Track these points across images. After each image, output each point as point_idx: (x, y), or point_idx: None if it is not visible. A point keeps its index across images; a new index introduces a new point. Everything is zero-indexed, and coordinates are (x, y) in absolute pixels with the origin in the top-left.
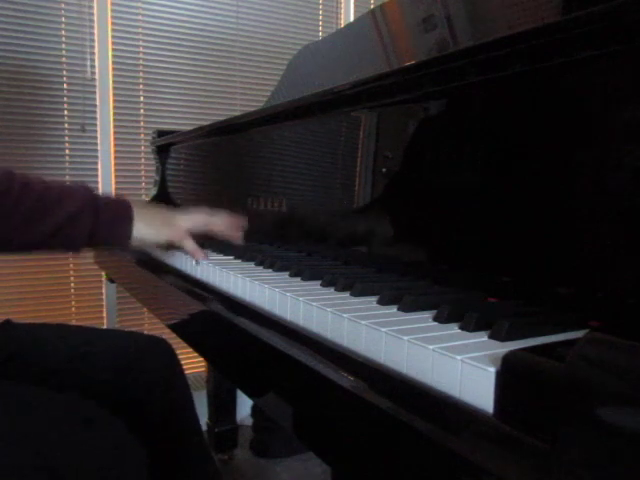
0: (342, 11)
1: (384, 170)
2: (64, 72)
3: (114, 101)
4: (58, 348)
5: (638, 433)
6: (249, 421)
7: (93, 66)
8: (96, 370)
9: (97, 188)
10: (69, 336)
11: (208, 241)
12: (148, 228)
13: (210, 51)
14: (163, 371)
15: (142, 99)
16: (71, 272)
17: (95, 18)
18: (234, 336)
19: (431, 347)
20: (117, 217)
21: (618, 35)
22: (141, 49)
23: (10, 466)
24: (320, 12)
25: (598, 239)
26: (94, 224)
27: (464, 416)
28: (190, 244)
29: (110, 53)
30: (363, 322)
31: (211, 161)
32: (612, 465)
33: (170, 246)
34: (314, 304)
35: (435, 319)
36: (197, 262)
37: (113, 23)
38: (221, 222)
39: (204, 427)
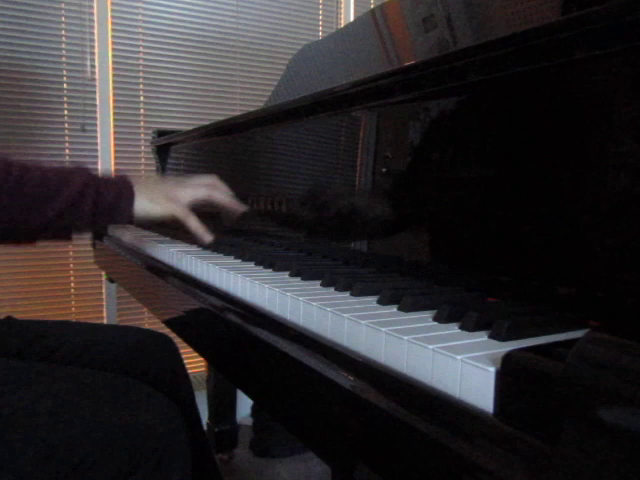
0: (342, 11)
1: (384, 170)
2: (64, 72)
3: (114, 101)
4: (61, 343)
5: (638, 433)
6: (249, 421)
7: (93, 66)
8: (101, 364)
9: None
10: (72, 331)
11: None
12: (151, 203)
13: (210, 51)
14: (167, 366)
15: (142, 99)
16: (71, 272)
17: (95, 18)
18: (234, 336)
19: (431, 347)
20: (118, 195)
21: (618, 35)
22: (141, 49)
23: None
24: (320, 12)
25: (598, 239)
26: (96, 204)
27: (464, 416)
28: (194, 222)
29: (110, 53)
30: (363, 322)
31: (211, 161)
32: (612, 465)
33: (175, 222)
34: (314, 304)
35: (435, 319)
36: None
37: (113, 23)
38: (222, 194)
39: (204, 427)
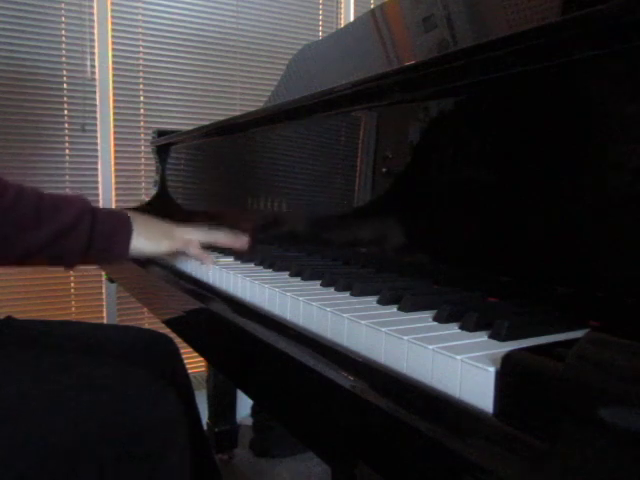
0: (342, 11)
1: (384, 170)
2: (64, 72)
3: (114, 101)
4: (62, 343)
5: (638, 433)
6: (249, 421)
7: (93, 66)
8: (101, 362)
9: (97, 188)
10: (73, 331)
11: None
12: (147, 241)
13: (210, 51)
14: (167, 366)
15: (142, 99)
16: (71, 272)
17: (95, 18)
18: (234, 336)
19: (431, 347)
20: (115, 230)
21: (618, 35)
22: (141, 49)
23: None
24: (320, 12)
25: (598, 239)
26: (90, 236)
27: (464, 416)
28: (194, 249)
29: (110, 53)
30: (363, 322)
31: (211, 161)
32: (612, 465)
33: (174, 253)
34: (314, 304)
35: (435, 319)
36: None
37: (113, 23)
38: (222, 237)
39: (204, 427)
